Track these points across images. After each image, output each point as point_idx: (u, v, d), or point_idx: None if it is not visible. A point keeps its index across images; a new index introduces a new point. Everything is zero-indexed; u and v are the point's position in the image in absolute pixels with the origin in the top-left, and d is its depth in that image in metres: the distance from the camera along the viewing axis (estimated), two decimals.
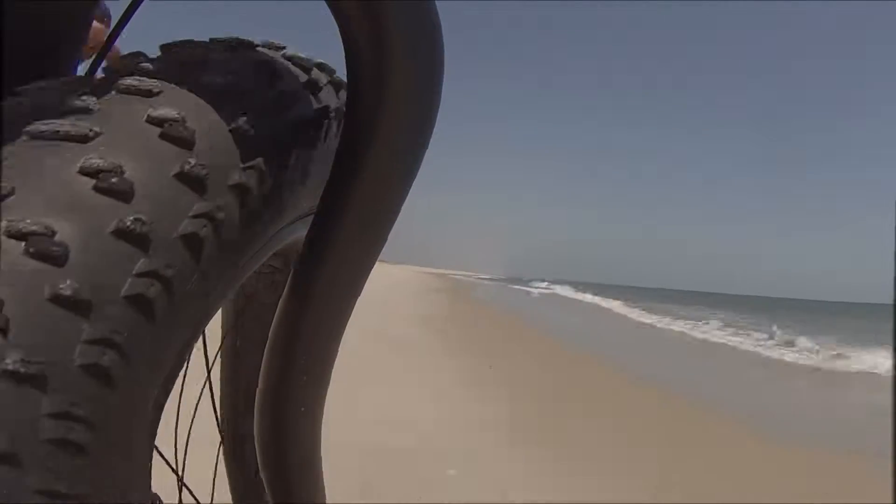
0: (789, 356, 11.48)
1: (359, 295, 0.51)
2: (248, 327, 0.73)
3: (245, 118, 0.42)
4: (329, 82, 0.53)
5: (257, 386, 0.52)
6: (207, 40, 0.49)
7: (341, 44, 0.45)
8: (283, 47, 0.54)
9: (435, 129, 0.49)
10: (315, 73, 0.52)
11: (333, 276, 0.48)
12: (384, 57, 0.43)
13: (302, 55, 0.53)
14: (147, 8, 0.57)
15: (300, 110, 0.48)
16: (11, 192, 0.33)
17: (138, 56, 0.45)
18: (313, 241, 0.47)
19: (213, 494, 0.79)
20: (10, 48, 0.48)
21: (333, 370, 0.54)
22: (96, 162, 0.35)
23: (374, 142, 0.45)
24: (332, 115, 0.52)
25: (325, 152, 0.50)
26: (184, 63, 0.43)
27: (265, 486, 0.54)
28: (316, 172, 0.50)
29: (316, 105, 0.50)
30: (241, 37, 0.50)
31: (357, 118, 0.45)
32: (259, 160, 0.42)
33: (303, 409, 0.52)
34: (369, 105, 0.44)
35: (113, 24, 0.60)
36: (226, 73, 0.44)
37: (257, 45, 0.50)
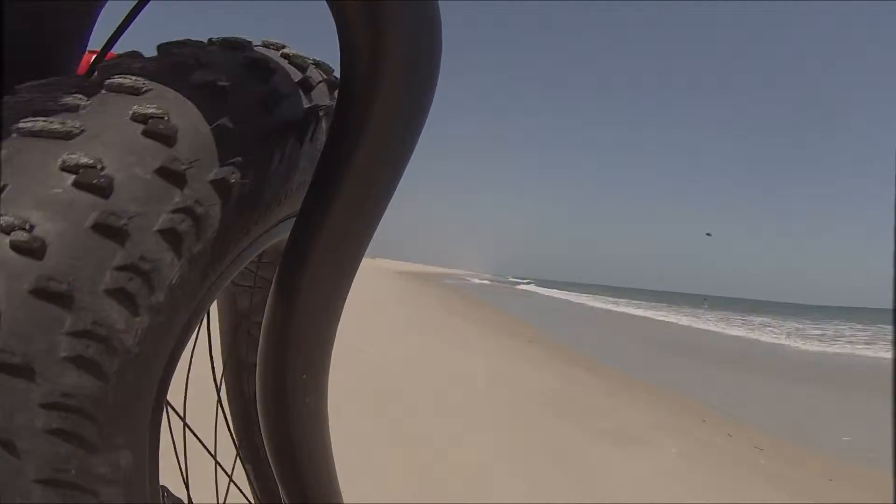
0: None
1: (346, 294, 0.51)
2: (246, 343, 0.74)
3: (231, 116, 0.43)
4: (323, 81, 0.54)
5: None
6: (206, 40, 0.50)
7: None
8: (283, 46, 0.54)
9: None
10: (310, 72, 0.52)
11: (319, 276, 0.48)
12: (380, 57, 0.43)
13: (299, 54, 0.53)
14: (158, 8, 0.58)
15: (290, 110, 0.48)
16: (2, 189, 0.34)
17: (134, 55, 0.45)
18: (297, 240, 0.46)
19: (227, 493, 0.80)
20: (10, 48, 0.49)
21: None
22: (76, 158, 0.35)
23: (362, 141, 0.45)
24: (323, 114, 0.52)
25: (314, 152, 0.50)
26: (175, 63, 0.44)
27: (280, 489, 0.55)
28: (304, 172, 0.50)
29: (306, 104, 0.50)
30: (238, 36, 0.50)
31: (347, 118, 0.45)
32: (242, 157, 0.43)
33: (306, 410, 0.52)
34: (360, 105, 0.44)
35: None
36: (215, 72, 0.44)
37: (253, 45, 0.51)
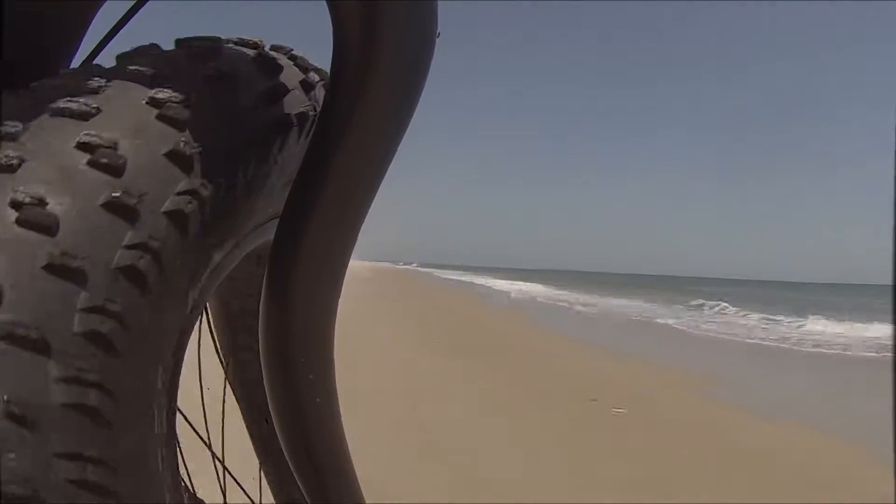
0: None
1: (339, 290, 0.51)
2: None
3: (234, 107, 0.45)
4: (301, 81, 0.54)
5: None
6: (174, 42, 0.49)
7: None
8: (258, 44, 0.53)
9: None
10: (287, 71, 0.53)
11: (309, 275, 0.48)
12: (372, 57, 0.44)
13: (273, 52, 0.54)
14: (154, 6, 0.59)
15: (267, 116, 0.49)
16: (19, 165, 0.34)
17: (91, 67, 0.47)
18: (284, 237, 0.47)
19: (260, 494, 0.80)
20: (9, 48, 0.49)
21: None
22: (93, 139, 0.37)
23: (349, 140, 0.46)
24: (303, 117, 0.52)
25: (298, 153, 0.50)
26: (193, 55, 0.46)
27: (302, 490, 0.55)
28: (289, 173, 0.50)
29: (284, 110, 0.51)
30: (210, 37, 0.50)
31: (334, 117, 0.46)
32: (243, 149, 0.45)
33: (318, 410, 0.52)
34: (348, 104, 0.45)
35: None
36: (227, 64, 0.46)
37: (228, 44, 0.51)
